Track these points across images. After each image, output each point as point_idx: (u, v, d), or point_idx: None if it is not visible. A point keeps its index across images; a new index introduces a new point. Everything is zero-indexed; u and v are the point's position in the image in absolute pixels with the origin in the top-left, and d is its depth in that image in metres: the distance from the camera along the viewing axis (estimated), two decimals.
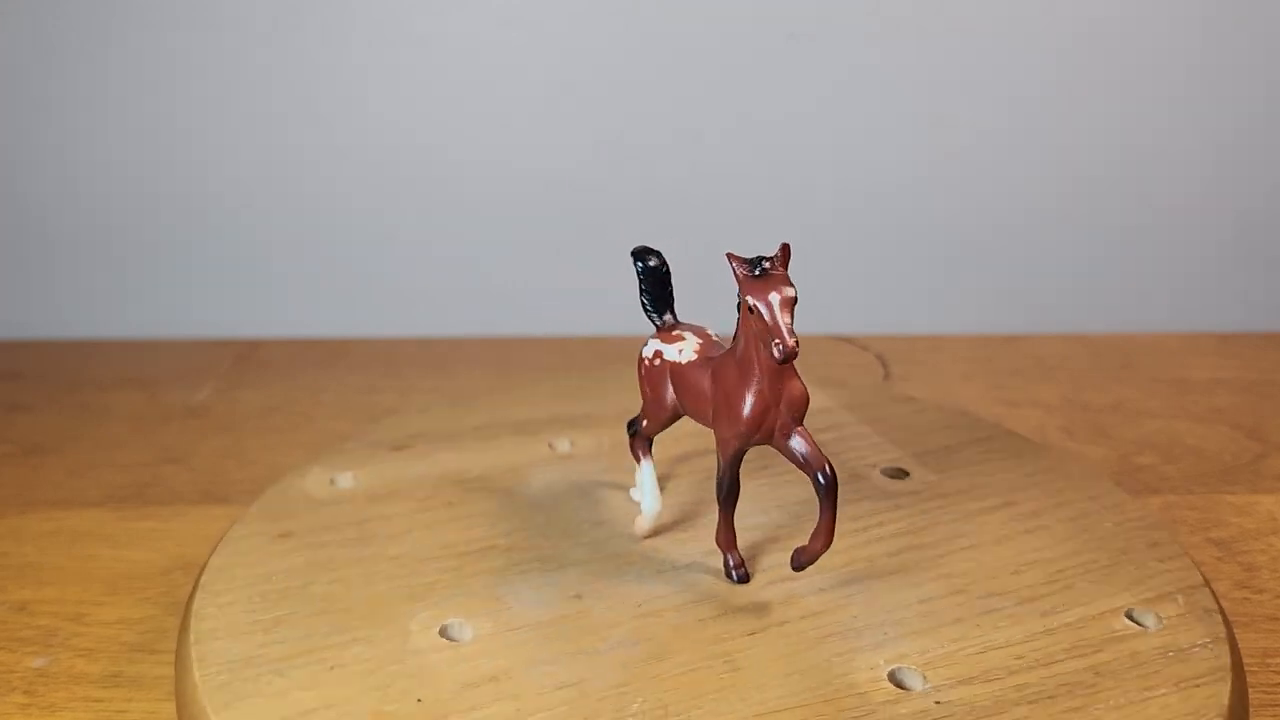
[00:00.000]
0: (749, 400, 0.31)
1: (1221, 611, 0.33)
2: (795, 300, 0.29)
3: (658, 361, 0.34)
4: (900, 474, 0.41)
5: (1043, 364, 0.62)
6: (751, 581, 0.34)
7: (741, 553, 0.35)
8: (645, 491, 0.36)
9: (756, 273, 0.30)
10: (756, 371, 0.31)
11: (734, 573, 0.34)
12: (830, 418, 0.46)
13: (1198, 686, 0.30)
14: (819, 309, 0.67)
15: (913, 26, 0.62)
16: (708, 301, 0.59)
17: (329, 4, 0.60)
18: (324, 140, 0.63)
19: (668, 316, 0.36)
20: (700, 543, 0.36)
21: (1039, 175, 0.65)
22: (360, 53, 0.61)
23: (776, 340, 0.28)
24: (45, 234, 0.65)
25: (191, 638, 0.32)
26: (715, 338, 0.35)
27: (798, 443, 0.31)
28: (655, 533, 0.37)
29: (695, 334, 0.35)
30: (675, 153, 0.64)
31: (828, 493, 0.30)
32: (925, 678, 0.30)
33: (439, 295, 0.66)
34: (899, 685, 0.30)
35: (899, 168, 0.64)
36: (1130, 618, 0.32)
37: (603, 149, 0.64)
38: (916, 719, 0.28)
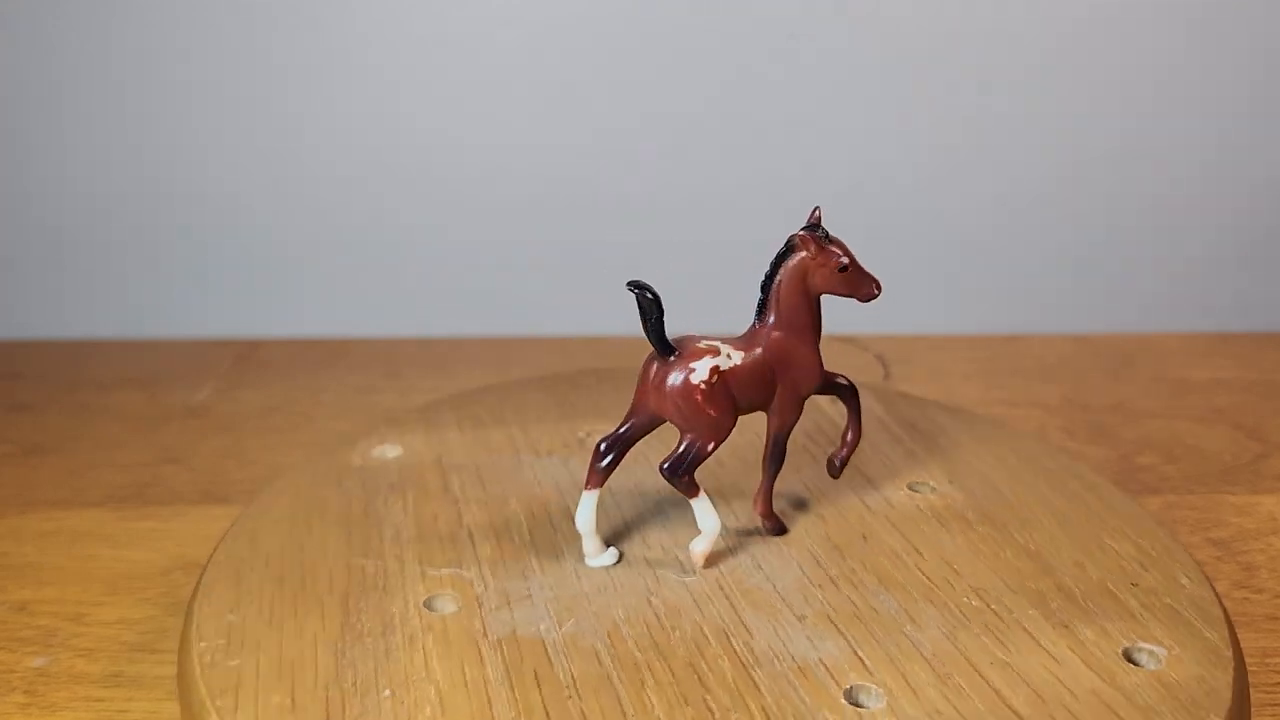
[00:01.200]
0: (819, 356, 0.35)
1: None
2: None
3: (715, 379, 0.33)
4: None
5: (1043, 364, 0.62)
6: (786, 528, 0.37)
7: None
8: (707, 514, 0.35)
9: (824, 238, 0.34)
10: (814, 329, 0.35)
11: (773, 529, 0.37)
12: None
13: None
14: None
15: (913, 27, 0.62)
16: (710, 299, 0.59)
17: (328, 5, 0.60)
18: (324, 141, 0.63)
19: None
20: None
21: (1039, 175, 0.65)
22: (360, 54, 0.61)
23: (873, 281, 0.34)
24: (45, 234, 0.65)
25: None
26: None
27: None
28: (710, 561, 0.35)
29: (709, 339, 0.34)
30: (675, 153, 0.64)
31: (852, 395, 0.37)
32: (929, 485, 0.40)
33: (439, 295, 0.66)
34: (918, 491, 0.39)
35: (899, 168, 0.64)
36: None
37: (603, 149, 0.64)
38: (960, 506, 0.38)
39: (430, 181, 0.64)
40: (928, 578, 0.34)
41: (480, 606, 0.33)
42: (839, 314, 0.66)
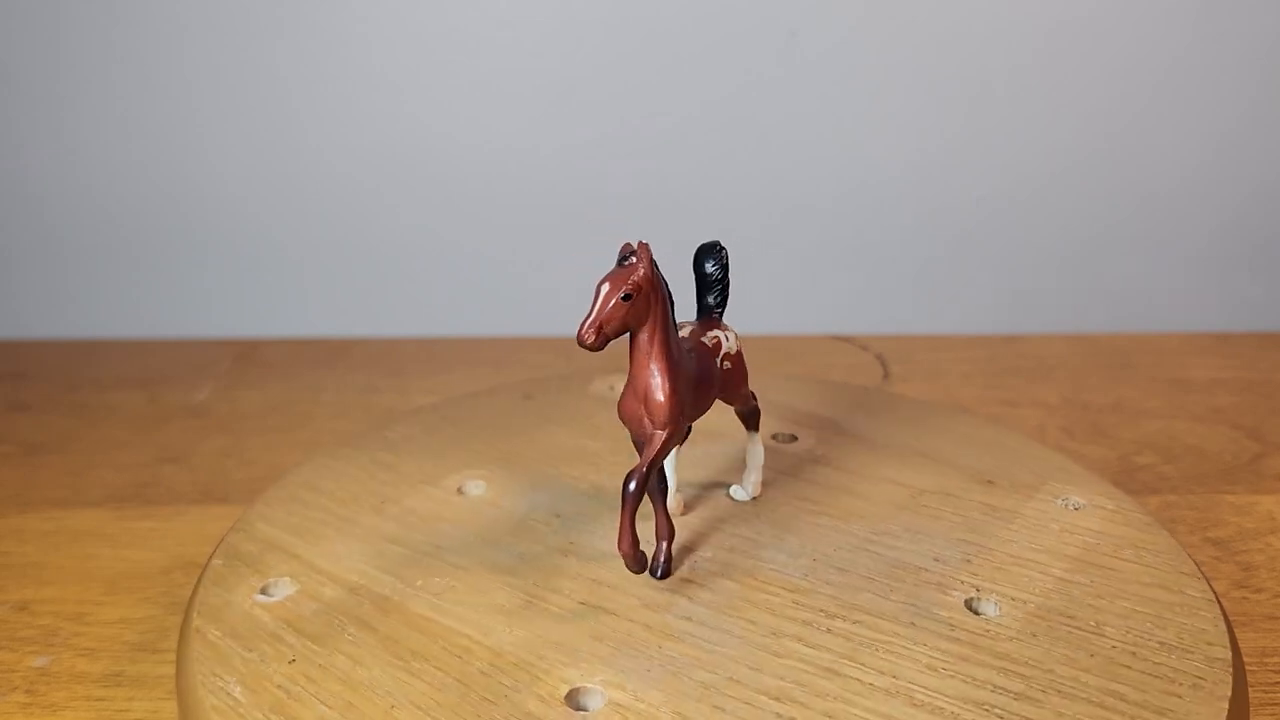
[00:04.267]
0: (668, 398, 0.32)
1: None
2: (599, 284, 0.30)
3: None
4: (790, 438, 0.44)
5: (1043, 364, 0.62)
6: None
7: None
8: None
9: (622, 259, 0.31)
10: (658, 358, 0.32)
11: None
12: None
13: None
14: (819, 309, 0.67)
15: (913, 26, 0.62)
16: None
17: (331, 6, 0.60)
18: (325, 142, 0.63)
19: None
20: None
21: (1039, 175, 0.65)
22: (361, 55, 0.62)
23: (581, 329, 0.30)
24: (45, 234, 0.65)
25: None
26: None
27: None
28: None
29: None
30: (675, 152, 0.64)
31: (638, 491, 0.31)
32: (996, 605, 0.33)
33: (439, 295, 0.66)
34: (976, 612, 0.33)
35: (899, 168, 0.65)
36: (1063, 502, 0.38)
37: (603, 149, 0.64)
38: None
39: (430, 182, 0.64)
40: None
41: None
42: (838, 312, 0.67)
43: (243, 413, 0.56)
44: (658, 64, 0.62)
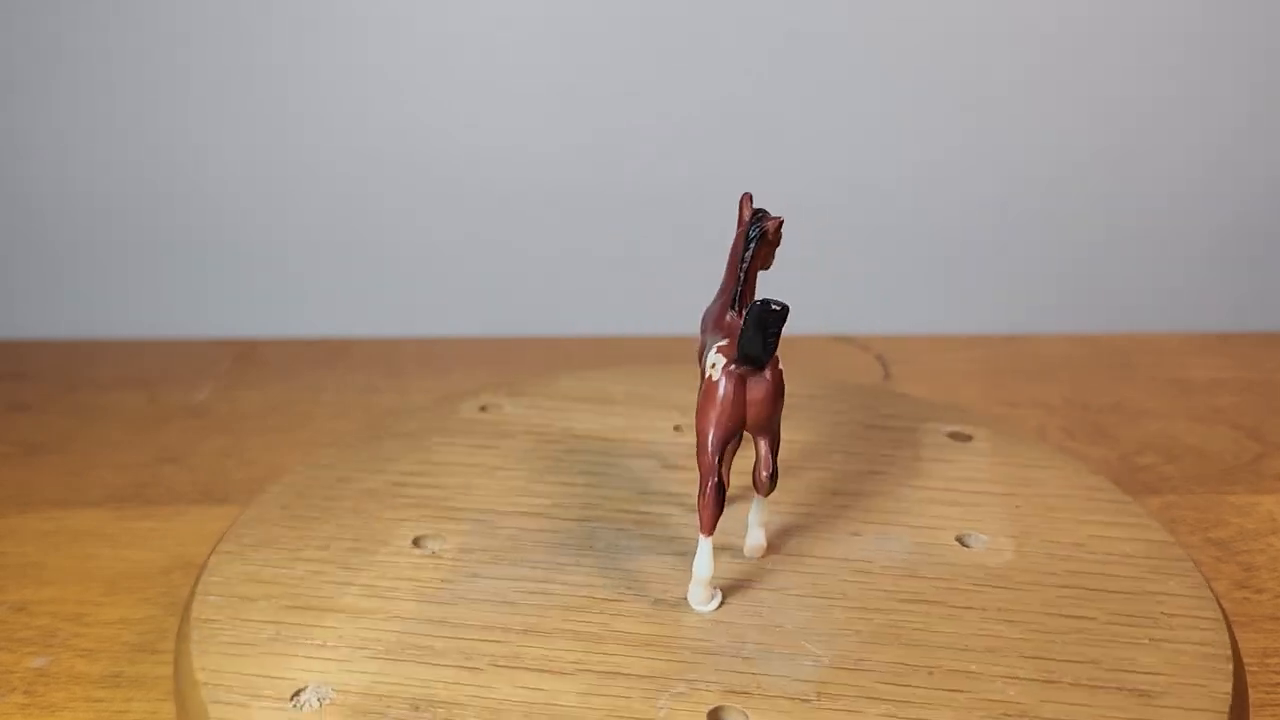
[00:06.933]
0: None
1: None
2: None
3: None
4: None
5: (1043, 364, 0.62)
6: None
7: None
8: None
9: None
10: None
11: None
12: None
13: None
14: (819, 309, 0.67)
15: (912, 25, 0.62)
16: (705, 300, 0.59)
17: (328, 5, 0.60)
18: (324, 141, 0.63)
19: None
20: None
21: (1039, 175, 0.65)
22: (360, 53, 0.61)
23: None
24: (45, 234, 0.65)
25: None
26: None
27: None
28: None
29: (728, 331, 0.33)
30: (675, 153, 0.64)
31: None
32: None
33: (439, 295, 0.66)
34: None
35: (899, 167, 0.64)
36: None
37: (603, 149, 0.64)
38: None
39: (430, 181, 0.64)
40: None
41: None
42: (838, 314, 0.67)
43: (243, 413, 0.56)
44: (658, 64, 0.62)
